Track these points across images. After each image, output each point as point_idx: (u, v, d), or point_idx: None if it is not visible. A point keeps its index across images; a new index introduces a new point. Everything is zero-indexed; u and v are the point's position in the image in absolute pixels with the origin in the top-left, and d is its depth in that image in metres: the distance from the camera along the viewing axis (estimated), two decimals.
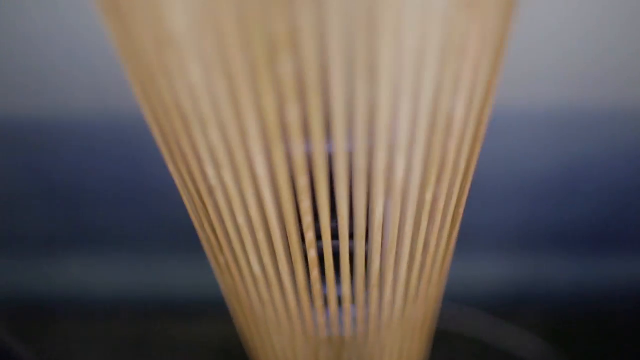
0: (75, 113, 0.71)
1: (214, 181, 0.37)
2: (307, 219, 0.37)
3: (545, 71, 0.67)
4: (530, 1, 0.59)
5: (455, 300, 0.84)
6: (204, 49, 0.27)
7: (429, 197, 0.36)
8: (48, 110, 0.71)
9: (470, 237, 0.82)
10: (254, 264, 0.42)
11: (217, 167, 0.35)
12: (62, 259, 0.87)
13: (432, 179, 0.35)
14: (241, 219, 0.39)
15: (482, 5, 0.28)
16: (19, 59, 0.66)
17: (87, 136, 0.73)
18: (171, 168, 0.42)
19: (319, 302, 0.44)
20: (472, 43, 0.29)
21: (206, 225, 0.45)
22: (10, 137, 0.73)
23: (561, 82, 0.68)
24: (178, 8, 0.26)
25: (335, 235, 0.39)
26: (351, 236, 0.39)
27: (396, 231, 0.38)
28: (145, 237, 0.85)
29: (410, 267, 0.41)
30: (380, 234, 0.38)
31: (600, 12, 0.60)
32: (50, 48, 0.65)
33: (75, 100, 0.70)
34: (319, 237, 0.39)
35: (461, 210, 0.41)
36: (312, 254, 0.39)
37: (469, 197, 0.42)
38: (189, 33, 0.27)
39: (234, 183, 0.36)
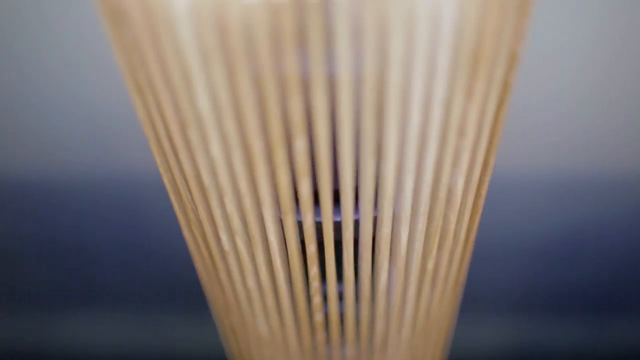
0: (79, 172, 0.73)
1: (227, 246, 0.39)
2: (315, 284, 0.39)
3: (545, 136, 0.70)
4: (529, 67, 0.62)
5: None
6: (225, 129, 0.30)
7: (430, 265, 0.38)
8: (51, 169, 0.73)
9: (472, 301, 0.83)
10: (261, 325, 0.44)
11: (231, 233, 0.37)
12: (62, 317, 0.88)
13: (434, 247, 0.37)
14: (251, 282, 0.41)
15: (481, 91, 0.30)
16: (22, 119, 0.69)
17: (90, 196, 0.75)
18: (185, 232, 0.45)
19: None
20: (470, 124, 0.32)
21: (216, 287, 0.47)
22: (13, 196, 0.75)
23: (560, 146, 0.70)
24: (202, 92, 0.28)
25: (341, 299, 0.41)
26: (356, 300, 0.41)
27: (399, 296, 0.40)
28: (146, 297, 0.86)
29: (413, 331, 0.43)
30: (384, 299, 0.40)
31: (601, 76, 0.63)
32: (52, 108, 0.68)
33: (79, 159, 0.72)
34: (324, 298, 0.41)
35: (463, 276, 0.43)
36: (318, 317, 0.41)
37: (470, 261, 0.44)
38: (212, 114, 0.29)
39: (247, 248, 0.38)
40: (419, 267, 0.38)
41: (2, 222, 0.77)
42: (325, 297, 0.42)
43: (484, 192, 0.39)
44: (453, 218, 0.37)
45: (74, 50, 0.62)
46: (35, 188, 0.75)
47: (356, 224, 0.36)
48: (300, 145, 0.30)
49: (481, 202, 0.39)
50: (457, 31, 0.27)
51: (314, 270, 0.38)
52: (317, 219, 0.36)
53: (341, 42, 0.25)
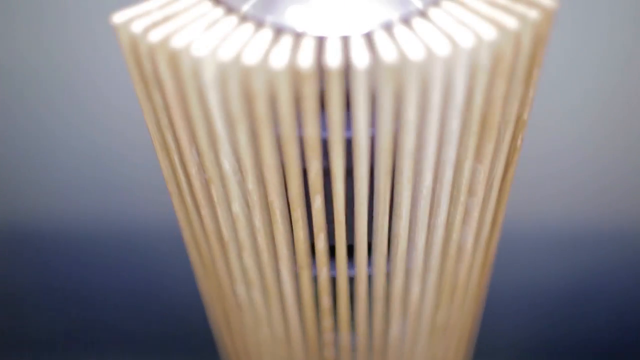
0: (83, 219, 0.74)
1: (242, 298, 0.41)
2: (328, 336, 0.40)
3: (553, 187, 0.71)
4: (537, 120, 0.63)
5: None
6: (247, 187, 0.31)
7: (441, 318, 0.39)
8: (55, 215, 0.74)
9: (483, 353, 0.83)
10: None
11: (248, 286, 0.39)
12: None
13: (445, 301, 0.38)
14: (265, 334, 0.42)
15: (489, 153, 0.32)
16: (35, 163, 0.70)
17: (94, 242, 0.76)
18: (201, 284, 0.46)
19: None
20: (479, 184, 0.33)
21: (227, 337, 0.48)
22: (16, 242, 0.76)
23: (570, 197, 0.71)
24: (227, 154, 0.30)
25: (353, 350, 0.42)
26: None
27: (410, 349, 0.41)
28: (154, 345, 0.86)
29: None
30: (396, 351, 0.41)
31: (610, 127, 0.64)
32: (55, 155, 0.69)
33: (83, 207, 0.73)
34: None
35: (473, 328, 0.44)
36: None
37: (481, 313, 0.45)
38: (235, 174, 0.31)
39: (263, 301, 0.39)
40: (430, 320, 0.39)
41: (8, 268, 0.79)
42: (338, 349, 0.43)
43: (493, 248, 0.41)
44: (463, 273, 0.38)
45: (88, 97, 0.64)
46: (38, 232, 0.76)
47: (369, 278, 0.37)
48: (318, 203, 0.32)
49: (491, 257, 0.40)
50: (467, 99, 0.28)
51: (327, 322, 0.39)
52: (332, 273, 0.37)
53: (359, 108, 0.27)
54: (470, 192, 0.34)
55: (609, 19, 0.55)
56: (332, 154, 0.29)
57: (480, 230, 0.37)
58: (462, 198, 0.33)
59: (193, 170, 0.33)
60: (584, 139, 0.66)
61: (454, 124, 0.29)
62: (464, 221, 0.35)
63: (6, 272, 0.78)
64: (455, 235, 0.36)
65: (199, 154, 0.31)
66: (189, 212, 0.37)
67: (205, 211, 0.35)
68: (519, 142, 0.33)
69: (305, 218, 0.33)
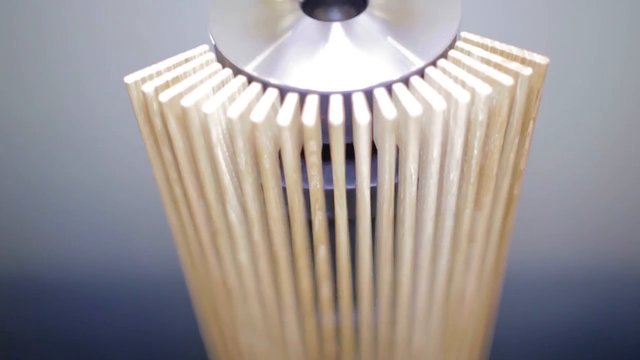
0: (88, 267, 0.75)
1: (245, 347, 0.41)
2: None
3: (557, 231, 0.72)
4: (538, 163, 0.64)
5: None
6: (253, 238, 0.32)
7: None
8: (62, 263, 0.75)
9: None
10: None
11: (252, 333, 0.39)
12: None
13: (449, 347, 0.39)
14: None
15: (488, 202, 0.33)
16: (40, 212, 0.71)
17: (97, 289, 0.76)
18: (205, 331, 0.46)
19: None
20: (479, 232, 0.34)
21: None
22: (15, 290, 0.76)
23: (574, 240, 0.72)
24: (234, 206, 0.31)
25: None
26: None
27: None
28: None
29: None
30: None
31: (613, 168, 0.65)
32: (55, 202, 0.70)
33: (88, 254, 0.74)
34: None
35: None
36: None
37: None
38: (242, 225, 0.32)
39: (268, 348, 0.40)
40: None
41: (8, 314, 0.79)
42: None
43: (496, 292, 0.41)
44: (467, 318, 0.39)
45: (90, 147, 0.65)
46: (36, 280, 0.76)
47: (373, 325, 0.38)
48: (322, 253, 0.33)
49: (494, 302, 0.41)
50: (465, 151, 0.29)
51: None
52: (336, 321, 0.38)
53: (361, 161, 0.28)
54: (471, 239, 0.35)
55: (606, 68, 0.57)
56: (335, 205, 0.30)
57: (482, 276, 0.38)
58: (463, 245, 0.34)
59: (200, 221, 0.33)
60: (585, 179, 0.67)
61: (453, 175, 0.30)
62: (466, 268, 0.36)
63: (6, 318, 0.79)
64: (457, 282, 0.36)
65: (206, 205, 0.32)
66: (195, 261, 0.37)
67: (211, 261, 0.35)
68: (516, 190, 0.34)
69: (309, 267, 0.34)
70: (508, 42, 0.32)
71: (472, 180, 0.31)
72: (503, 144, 0.31)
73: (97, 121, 0.61)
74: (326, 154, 0.29)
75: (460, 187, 0.31)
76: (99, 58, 0.55)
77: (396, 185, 0.31)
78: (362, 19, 0.30)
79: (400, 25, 0.30)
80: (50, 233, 0.73)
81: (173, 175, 0.32)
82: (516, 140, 0.31)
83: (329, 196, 0.31)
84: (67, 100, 0.59)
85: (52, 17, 0.53)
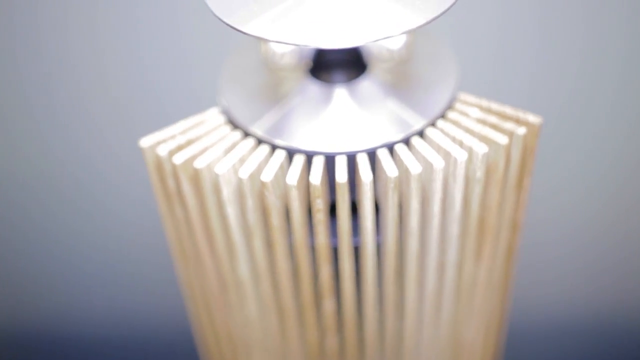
0: (91, 322, 0.75)
1: None
2: None
3: (560, 280, 0.72)
4: (540, 206, 0.65)
5: None
6: (262, 291, 0.33)
7: None
8: (68, 319, 0.75)
9: None
10: None
11: None
12: None
13: None
14: None
15: (488, 254, 0.34)
16: (27, 269, 0.72)
17: (104, 345, 0.76)
18: None
19: None
20: (480, 284, 0.35)
21: None
22: (18, 346, 0.76)
23: (576, 288, 0.72)
24: (244, 261, 0.32)
25: None
26: None
27: None
28: None
29: None
30: None
31: (617, 213, 0.66)
32: (56, 257, 0.71)
33: (94, 310, 0.75)
34: None
35: None
36: None
37: None
38: (251, 279, 0.33)
39: None
40: None
41: None
42: None
43: (499, 342, 0.42)
44: None
45: (93, 201, 0.66)
46: (39, 336, 0.77)
47: None
48: (328, 306, 0.34)
49: (498, 351, 0.42)
50: (464, 206, 0.31)
51: None
52: None
53: (365, 217, 0.30)
54: (473, 290, 0.36)
55: (599, 121, 0.58)
56: (341, 260, 0.32)
57: (485, 326, 0.39)
58: (466, 296, 0.35)
59: (211, 276, 0.35)
60: (587, 224, 0.67)
61: (454, 229, 0.31)
62: (469, 318, 0.37)
63: None
64: (461, 332, 0.37)
65: (217, 261, 0.34)
66: (202, 316, 0.38)
67: (220, 314, 0.36)
68: (516, 242, 0.35)
69: (316, 319, 0.35)
70: (506, 97, 0.34)
71: (472, 233, 0.32)
72: (501, 198, 0.32)
73: (108, 181, 0.63)
74: (332, 210, 0.31)
75: (460, 240, 0.32)
76: (114, 119, 0.57)
77: (399, 240, 0.32)
78: (364, 81, 0.32)
79: (400, 87, 0.32)
80: (60, 288, 0.74)
81: (184, 231, 0.33)
82: (513, 195, 0.33)
83: (335, 251, 0.32)
84: (79, 159, 0.61)
85: (67, 80, 0.54)
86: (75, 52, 0.53)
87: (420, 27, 0.26)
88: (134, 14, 0.50)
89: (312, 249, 0.32)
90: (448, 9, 0.27)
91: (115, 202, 0.65)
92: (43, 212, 0.67)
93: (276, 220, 0.30)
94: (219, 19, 0.27)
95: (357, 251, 0.32)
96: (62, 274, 0.72)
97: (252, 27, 0.26)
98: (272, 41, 0.26)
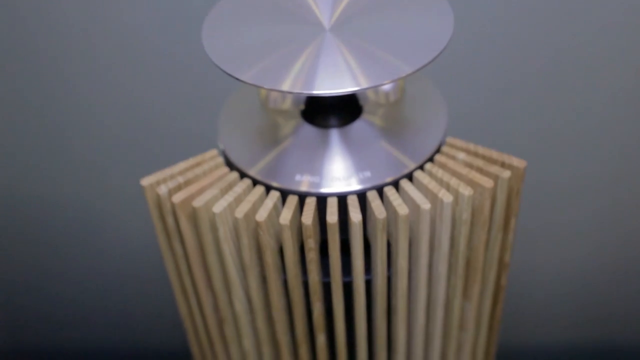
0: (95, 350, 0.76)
1: None
2: None
3: (548, 318, 0.73)
4: (543, 240, 0.66)
5: None
6: (257, 326, 0.35)
7: None
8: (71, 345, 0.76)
9: None
10: None
11: None
12: None
13: None
14: None
15: (476, 292, 0.35)
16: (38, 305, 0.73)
17: None
18: None
19: None
20: (469, 320, 0.36)
21: None
22: None
23: (575, 320, 0.73)
24: (239, 296, 0.33)
25: None
26: None
27: None
28: None
29: None
30: None
31: (620, 248, 0.67)
32: (65, 293, 0.72)
33: (95, 339, 0.76)
34: None
35: None
36: None
37: None
38: (247, 314, 0.34)
39: None
40: None
41: None
42: None
43: None
44: None
45: (98, 234, 0.68)
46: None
47: None
48: (321, 340, 0.35)
49: None
50: (451, 246, 0.32)
51: None
52: None
53: (356, 256, 0.31)
54: (461, 327, 0.37)
55: (585, 163, 0.59)
56: (333, 296, 0.33)
57: None
58: (454, 333, 0.36)
59: (208, 310, 0.36)
60: (588, 259, 0.68)
61: (442, 268, 0.32)
62: (458, 355, 0.38)
63: None
64: None
65: (214, 295, 0.35)
66: (203, 347, 0.40)
67: (218, 347, 0.38)
68: (503, 281, 0.37)
69: (310, 354, 0.36)
70: (494, 135, 0.35)
71: (459, 272, 0.33)
72: (487, 239, 0.34)
73: (111, 218, 0.64)
74: (325, 248, 0.32)
75: (448, 279, 0.34)
76: (116, 157, 0.59)
77: (389, 278, 0.33)
78: (358, 125, 0.33)
79: (391, 130, 0.33)
80: (59, 325, 0.75)
81: (183, 267, 0.35)
82: (500, 235, 0.34)
83: (327, 287, 0.33)
84: (82, 197, 0.62)
85: (70, 119, 0.56)
86: (80, 92, 0.55)
87: (409, 75, 0.28)
88: (137, 56, 0.52)
89: (306, 284, 0.33)
90: (435, 57, 0.29)
91: (119, 238, 0.66)
92: (51, 250, 0.68)
93: (270, 258, 0.31)
94: (218, 67, 0.29)
95: (349, 287, 0.33)
96: (70, 308, 0.73)
97: (249, 76, 0.28)
98: (268, 89, 0.28)
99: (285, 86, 0.27)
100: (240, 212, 0.30)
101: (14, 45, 0.52)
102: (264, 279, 0.33)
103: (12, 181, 0.62)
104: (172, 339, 0.71)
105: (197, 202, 0.30)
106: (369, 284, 0.33)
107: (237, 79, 0.28)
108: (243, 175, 0.32)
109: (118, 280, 0.70)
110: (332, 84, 0.27)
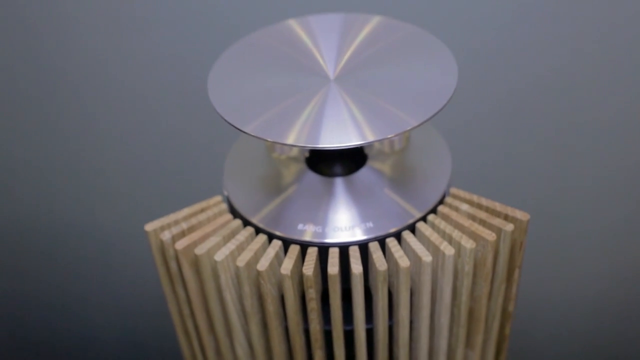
0: None
1: None
2: None
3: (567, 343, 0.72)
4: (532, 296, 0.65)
5: None
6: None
7: None
8: None
9: None
10: None
11: None
12: None
13: None
14: None
15: (479, 342, 0.35)
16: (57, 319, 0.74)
17: None
18: None
19: None
20: None
21: None
22: None
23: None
24: (241, 341, 0.33)
25: None
26: None
27: None
28: None
29: None
30: None
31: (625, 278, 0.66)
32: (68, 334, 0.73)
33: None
34: None
35: None
36: None
37: None
38: (248, 359, 0.34)
39: None
40: None
41: None
42: None
43: None
44: None
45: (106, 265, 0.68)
46: None
47: None
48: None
49: None
50: (454, 297, 0.32)
51: None
52: None
53: (356, 305, 0.31)
54: None
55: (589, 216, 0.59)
56: (334, 345, 0.33)
57: None
58: None
59: (210, 353, 0.36)
60: (579, 321, 0.68)
61: (444, 319, 0.32)
62: None
63: None
64: None
65: (216, 340, 0.35)
66: None
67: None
68: (506, 331, 0.36)
69: None
70: (497, 190, 0.35)
71: (462, 322, 0.33)
72: (490, 290, 0.33)
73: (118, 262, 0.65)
74: (326, 295, 0.32)
75: (451, 329, 0.33)
76: (120, 202, 0.59)
77: (391, 327, 0.33)
78: (362, 173, 0.33)
79: (395, 180, 0.33)
80: (71, 345, 0.75)
81: (186, 311, 0.35)
82: (503, 287, 0.34)
83: (329, 335, 0.33)
84: (88, 240, 0.63)
85: (77, 162, 0.57)
86: (85, 134, 0.56)
87: (414, 129, 0.28)
88: (140, 100, 0.53)
89: (307, 332, 0.33)
90: (441, 109, 0.29)
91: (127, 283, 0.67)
92: (57, 297, 0.69)
93: (271, 306, 0.31)
94: (223, 118, 0.29)
95: (350, 335, 0.33)
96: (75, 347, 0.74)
97: (253, 128, 0.28)
98: (271, 142, 0.28)
99: (290, 139, 0.28)
100: (241, 260, 0.30)
101: (33, 64, 0.53)
102: (265, 326, 0.33)
103: (25, 202, 0.63)
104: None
105: (200, 250, 0.30)
106: (370, 333, 0.33)
107: (241, 130, 0.28)
108: (246, 222, 0.32)
109: (129, 301, 0.70)
110: (337, 138, 0.27)
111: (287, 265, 0.30)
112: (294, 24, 0.34)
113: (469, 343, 0.35)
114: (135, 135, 0.55)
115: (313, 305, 0.31)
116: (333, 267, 0.29)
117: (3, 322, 0.74)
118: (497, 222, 0.31)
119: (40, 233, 0.65)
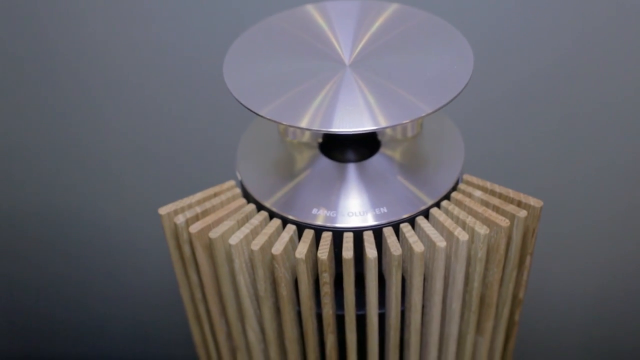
0: None
1: None
2: None
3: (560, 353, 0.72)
4: (542, 280, 0.65)
5: None
6: (270, 356, 0.35)
7: None
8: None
9: None
10: None
11: None
12: None
13: None
14: None
15: (489, 328, 0.35)
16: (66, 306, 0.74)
17: None
18: None
19: None
20: (482, 355, 0.36)
21: None
22: None
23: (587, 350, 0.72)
24: (253, 326, 0.34)
25: None
26: None
27: None
28: None
29: None
30: None
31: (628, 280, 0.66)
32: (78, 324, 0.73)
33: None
34: None
35: None
36: None
37: None
38: (260, 344, 0.34)
39: None
40: None
41: None
42: None
43: None
44: None
45: (113, 256, 0.68)
46: None
47: None
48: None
49: None
50: (466, 282, 0.32)
51: None
52: None
53: (370, 291, 0.31)
54: None
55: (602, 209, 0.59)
56: (346, 329, 0.33)
57: None
58: None
59: (222, 338, 0.36)
60: (589, 309, 0.68)
61: (455, 305, 0.32)
62: None
63: None
64: None
65: (228, 324, 0.35)
66: None
67: None
68: (516, 317, 0.36)
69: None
70: (510, 176, 0.34)
71: (473, 308, 0.33)
72: (502, 276, 0.34)
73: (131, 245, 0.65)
74: (339, 281, 0.32)
75: (462, 315, 0.34)
76: (127, 190, 0.59)
77: (403, 312, 0.33)
78: (375, 159, 0.33)
79: (408, 166, 0.33)
80: (74, 333, 0.75)
81: (198, 295, 0.35)
82: (514, 273, 0.34)
83: (341, 320, 0.33)
84: (101, 226, 0.63)
85: (90, 151, 0.57)
86: (93, 120, 0.56)
87: (427, 115, 0.28)
88: (155, 85, 0.53)
89: (319, 316, 0.33)
90: (455, 97, 0.29)
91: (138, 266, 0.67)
92: (61, 287, 0.69)
93: (285, 290, 0.31)
94: (238, 100, 0.29)
95: (362, 319, 0.33)
96: (85, 316, 0.74)
97: (268, 111, 0.28)
98: (285, 125, 0.28)
99: (304, 123, 0.28)
100: (256, 244, 0.30)
101: (39, 58, 0.53)
102: (277, 310, 0.33)
103: (32, 191, 0.63)
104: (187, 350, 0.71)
105: (214, 233, 0.30)
106: (382, 317, 0.33)
107: (255, 113, 0.28)
108: (260, 206, 0.32)
109: (135, 291, 0.70)
110: (350, 123, 0.28)
111: (302, 249, 0.30)
112: (311, 9, 0.34)
113: (479, 329, 0.35)
114: (144, 122, 0.55)
115: (327, 289, 0.31)
116: (348, 252, 0.30)
117: (5, 311, 0.74)
118: (510, 208, 0.31)
119: (45, 222, 0.65)
